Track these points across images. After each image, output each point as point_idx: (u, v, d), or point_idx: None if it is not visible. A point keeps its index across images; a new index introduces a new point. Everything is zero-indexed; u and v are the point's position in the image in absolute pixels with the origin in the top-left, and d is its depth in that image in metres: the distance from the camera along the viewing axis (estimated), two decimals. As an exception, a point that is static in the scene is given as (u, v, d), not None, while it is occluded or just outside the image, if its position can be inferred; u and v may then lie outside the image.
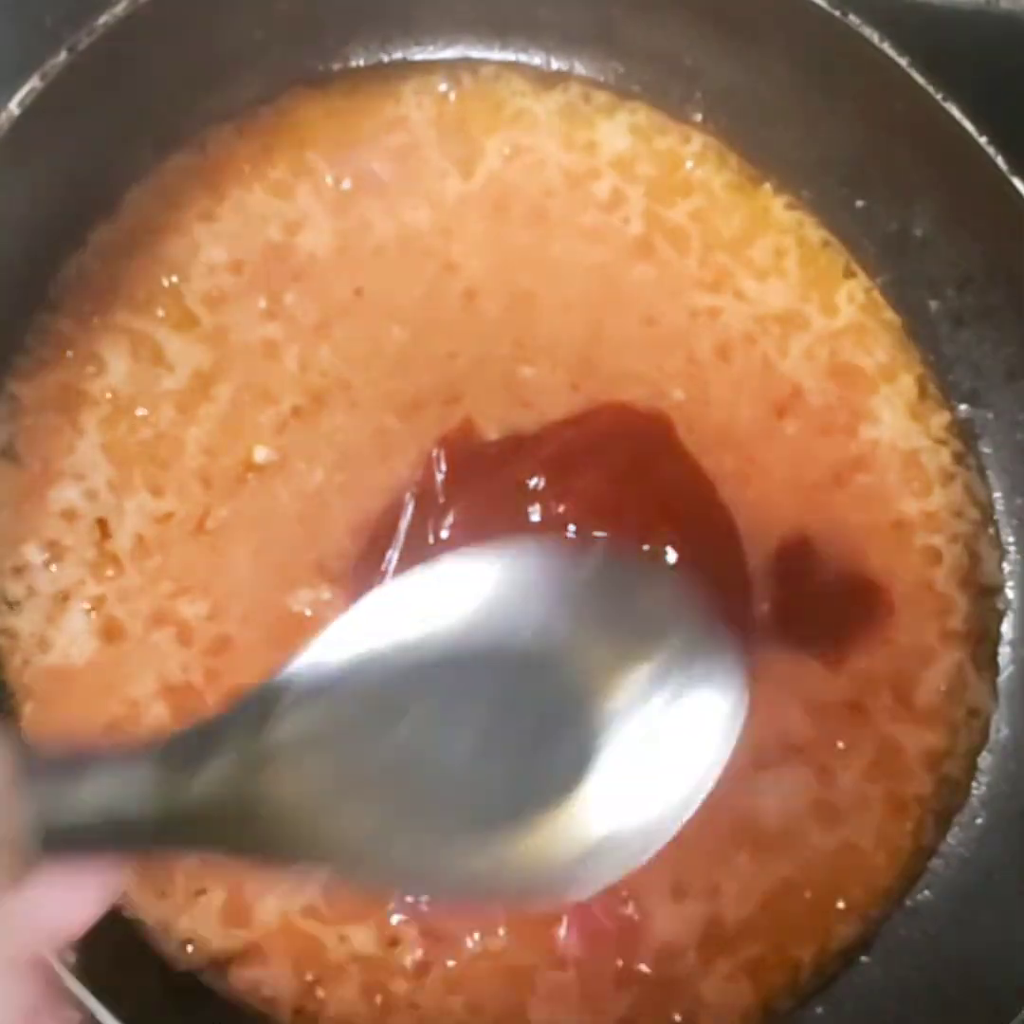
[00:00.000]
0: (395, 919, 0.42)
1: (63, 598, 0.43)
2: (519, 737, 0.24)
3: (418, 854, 0.24)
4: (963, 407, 0.49)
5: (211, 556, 0.44)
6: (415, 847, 0.24)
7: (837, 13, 0.43)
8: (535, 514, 0.43)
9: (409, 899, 0.40)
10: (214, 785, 0.24)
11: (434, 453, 0.45)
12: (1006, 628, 0.47)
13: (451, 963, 0.42)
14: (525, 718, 0.25)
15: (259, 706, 0.25)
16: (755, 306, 0.48)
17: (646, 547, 0.44)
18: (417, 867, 0.24)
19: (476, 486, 0.43)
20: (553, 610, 0.25)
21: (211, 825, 0.24)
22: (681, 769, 0.25)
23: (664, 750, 0.25)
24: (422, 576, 0.26)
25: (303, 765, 0.24)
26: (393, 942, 0.42)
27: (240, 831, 0.24)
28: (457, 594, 0.25)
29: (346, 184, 0.48)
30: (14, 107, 0.40)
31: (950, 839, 0.46)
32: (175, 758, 0.24)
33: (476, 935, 0.42)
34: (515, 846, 0.24)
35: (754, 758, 0.44)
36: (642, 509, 0.44)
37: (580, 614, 0.25)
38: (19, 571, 0.43)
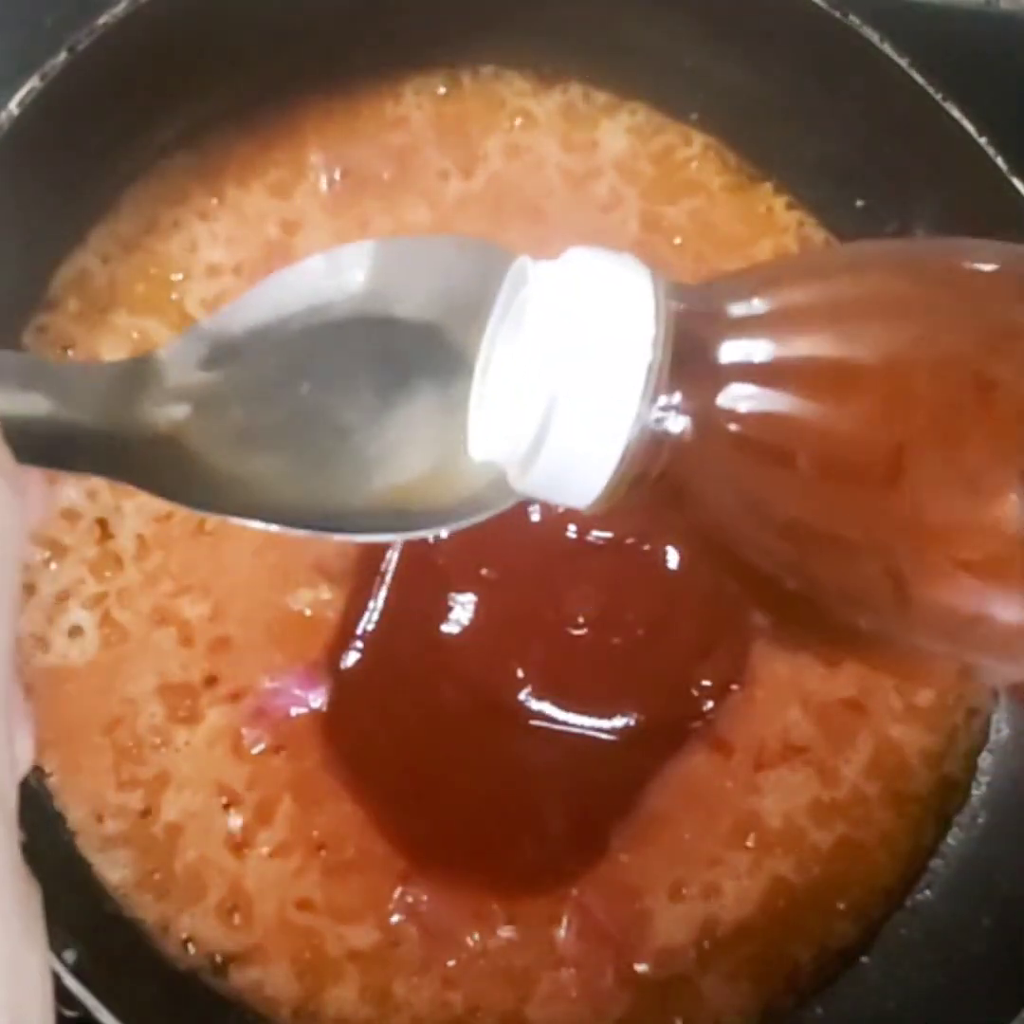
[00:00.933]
0: (395, 919, 0.42)
1: (63, 598, 0.43)
2: (409, 399, 0.27)
3: (322, 496, 0.26)
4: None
5: (212, 556, 0.44)
6: (319, 490, 0.26)
7: (837, 13, 0.43)
8: (534, 514, 0.43)
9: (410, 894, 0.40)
10: (150, 416, 0.26)
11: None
12: (1006, 628, 0.47)
13: (451, 963, 0.42)
14: (413, 383, 0.27)
15: (180, 356, 0.26)
16: (755, 306, 0.48)
17: (647, 547, 0.44)
18: (321, 508, 0.26)
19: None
20: (437, 289, 0.28)
21: (145, 455, 0.25)
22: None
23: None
24: (325, 255, 0.28)
25: (218, 414, 0.26)
26: (393, 942, 0.42)
27: (167, 467, 0.25)
28: (355, 270, 0.28)
29: (346, 184, 0.48)
30: (14, 107, 0.39)
31: (950, 839, 0.46)
32: (121, 383, 0.26)
33: (476, 935, 0.42)
34: (412, 488, 0.27)
35: (754, 758, 0.45)
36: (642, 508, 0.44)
37: (458, 292, 0.28)
38: (19, 571, 0.43)
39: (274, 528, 0.26)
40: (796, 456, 0.23)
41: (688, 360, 0.23)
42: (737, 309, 0.24)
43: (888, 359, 0.23)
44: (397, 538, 0.28)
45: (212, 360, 0.27)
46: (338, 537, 0.26)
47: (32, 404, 0.24)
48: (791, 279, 0.25)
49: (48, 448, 0.24)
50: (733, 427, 0.23)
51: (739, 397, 0.23)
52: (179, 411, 0.26)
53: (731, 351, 0.24)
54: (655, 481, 0.24)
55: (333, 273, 0.28)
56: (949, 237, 0.26)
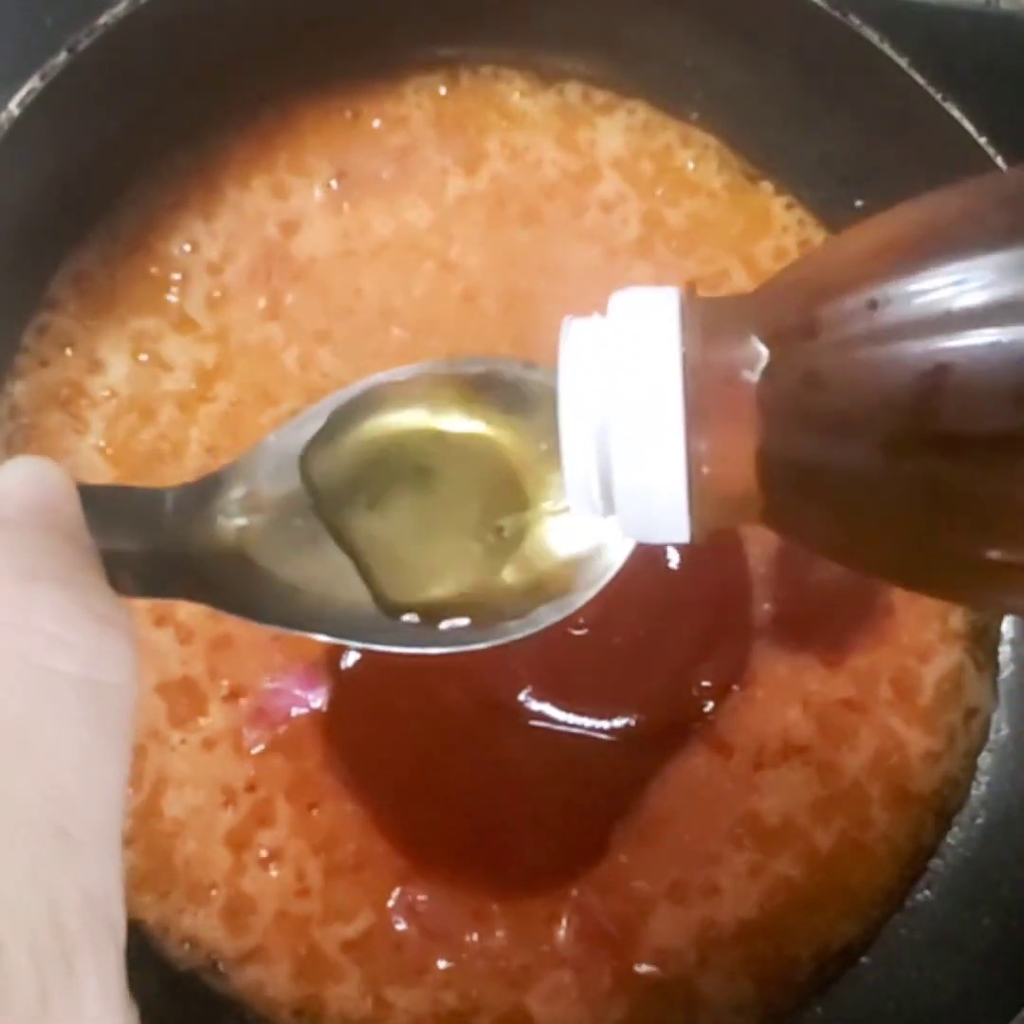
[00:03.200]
0: (395, 919, 0.42)
1: (63, 598, 0.43)
2: (467, 507, 0.28)
3: (373, 608, 0.27)
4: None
5: (211, 556, 0.44)
6: (370, 601, 0.27)
7: (837, 13, 0.43)
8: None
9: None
10: (220, 530, 0.26)
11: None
12: (1006, 628, 0.47)
13: (450, 963, 0.42)
14: (471, 492, 0.28)
15: (246, 469, 0.27)
16: (755, 306, 0.49)
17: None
18: (373, 619, 0.27)
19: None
20: (500, 408, 0.29)
21: (217, 570, 0.26)
22: (595, 544, 0.29)
23: (581, 527, 0.29)
24: (387, 374, 0.29)
25: (279, 524, 0.27)
26: (393, 943, 0.42)
27: (234, 580, 0.26)
28: (410, 389, 0.29)
29: (346, 184, 0.48)
30: (14, 107, 0.39)
31: (950, 839, 0.46)
32: (196, 502, 0.26)
33: (475, 935, 0.42)
34: (457, 602, 0.28)
35: (754, 758, 0.45)
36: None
37: (517, 412, 0.29)
38: (19, 571, 0.43)
39: (333, 640, 0.27)
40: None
41: (728, 381, 0.23)
42: (771, 322, 0.23)
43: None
44: (442, 651, 0.28)
45: (275, 474, 0.28)
46: (391, 649, 0.27)
47: (126, 537, 0.24)
48: (815, 283, 0.24)
49: (139, 580, 0.24)
50: (793, 429, 0.23)
51: (790, 404, 0.23)
52: (244, 521, 0.27)
53: (770, 367, 0.23)
54: (742, 500, 0.24)
55: (389, 391, 0.29)
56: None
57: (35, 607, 0.20)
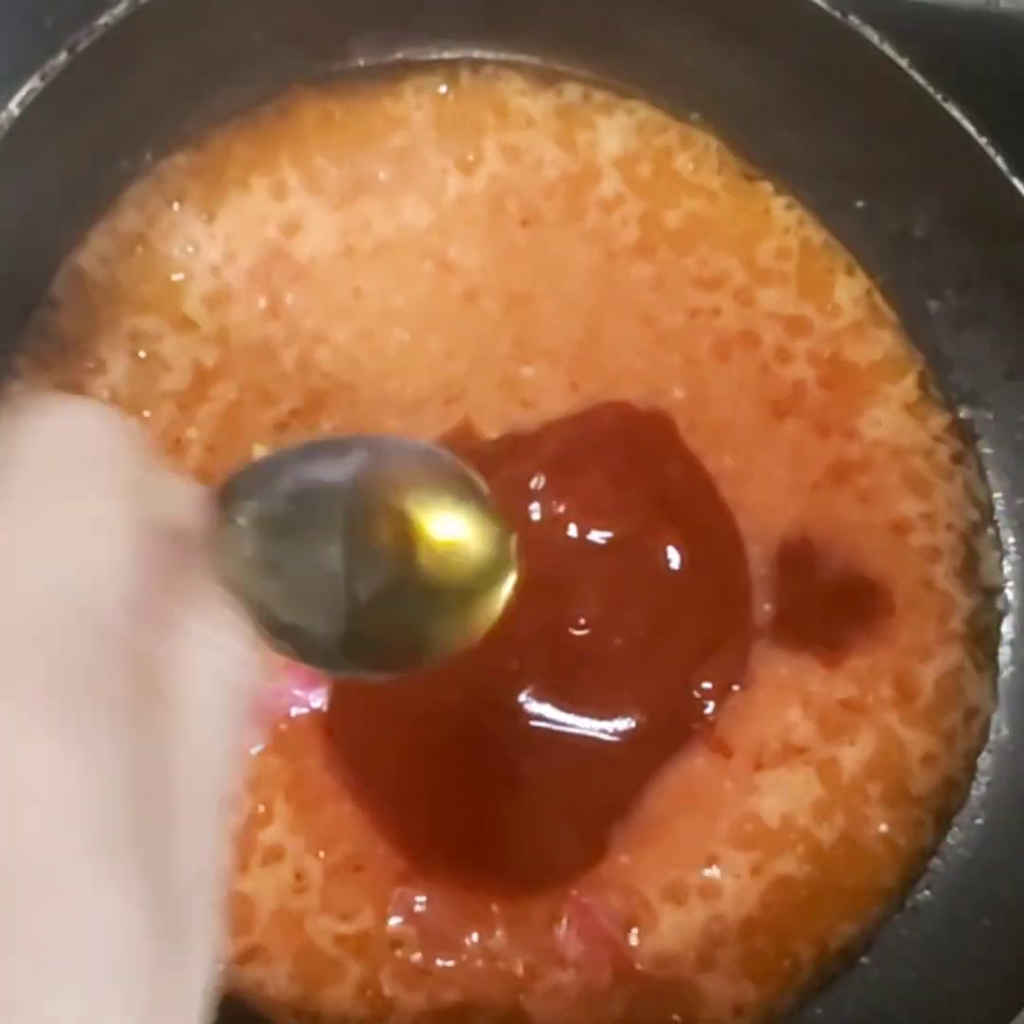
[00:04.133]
0: (394, 919, 0.42)
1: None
2: (372, 550, 0.32)
3: (304, 629, 0.30)
4: (963, 407, 0.49)
5: (211, 556, 0.44)
6: (306, 624, 0.30)
7: (837, 13, 0.43)
8: (535, 513, 0.43)
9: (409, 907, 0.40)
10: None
11: (434, 453, 0.45)
12: (1006, 628, 0.47)
13: (450, 963, 0.42)
14: (374, 538, 0.32)
15: (228, 490, 0.30)
16: (755, 306, 0.48)
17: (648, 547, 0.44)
18: (307, 640, 0.30)
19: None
20: (397, 472, 0.33)
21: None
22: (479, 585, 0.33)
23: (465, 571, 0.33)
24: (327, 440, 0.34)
25: (234, 543, 0.29)
26: (393, 943, 0.42)
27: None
28: (342, 453, 0.33)
29: (346, 184, 0.48)
30: (14, 107, 0.40)
31: (950, 839, 0.46)
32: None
33: (475, 935, 0.42)
34: (375, 627, 0.31)
35: (754, 759, 0.45)
36: (643, 508, 0.44)
37: (409, 473, 0.33)
38: (19, 571, 0.43)
39: (278, 651, 0.29)
40: None
41: None
42: None
43: None
44: (368, 677, 0.32)
45: (247, 498, 0.30)
46: (321, 670, 0.31)
47: None
48: None
49: None
50: None
51: None
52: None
53: None
54: None
55: (334, 452, 0.32)
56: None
57: (221, 625, 0.24)
